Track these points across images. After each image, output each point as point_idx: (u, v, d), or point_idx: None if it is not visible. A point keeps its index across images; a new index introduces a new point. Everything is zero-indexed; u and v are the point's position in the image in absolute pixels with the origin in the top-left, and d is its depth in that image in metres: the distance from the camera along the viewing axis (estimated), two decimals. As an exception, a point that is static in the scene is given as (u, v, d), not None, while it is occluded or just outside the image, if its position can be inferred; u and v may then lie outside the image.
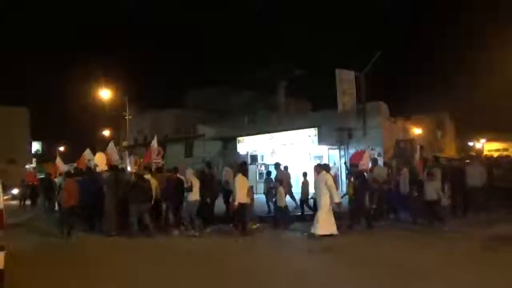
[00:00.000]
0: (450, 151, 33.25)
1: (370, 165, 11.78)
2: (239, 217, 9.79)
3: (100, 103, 29.93)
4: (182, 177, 10.52)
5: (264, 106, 28.21)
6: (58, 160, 17.69)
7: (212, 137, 24.09)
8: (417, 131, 27.34)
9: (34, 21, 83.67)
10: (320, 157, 17.81)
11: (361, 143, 17.37)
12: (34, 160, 46.53)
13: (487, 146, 41.59)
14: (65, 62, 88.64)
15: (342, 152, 17.86)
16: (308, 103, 35.04)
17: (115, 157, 14.26)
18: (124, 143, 36.19)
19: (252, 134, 19.97)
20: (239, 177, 9.78)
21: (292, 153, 18.25)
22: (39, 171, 26.39)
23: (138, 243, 9.12)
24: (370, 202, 10.26)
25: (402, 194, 10.62)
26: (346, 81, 17.14)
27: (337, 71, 17.15)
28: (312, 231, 8.87)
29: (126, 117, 32.22)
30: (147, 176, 10.42)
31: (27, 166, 38.20)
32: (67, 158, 26.51)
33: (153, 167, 12.43)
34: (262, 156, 19.98)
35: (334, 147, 17.88)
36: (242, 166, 10.91)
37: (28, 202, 19.54)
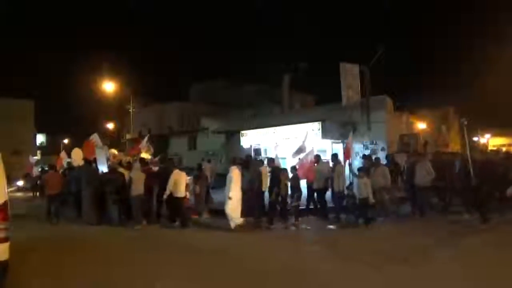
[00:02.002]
0: (454, 146, 33.03)
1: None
2: (177, 211, 10.16)
3: (105, 96, 30.03)
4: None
5: (268, 99, 28.19)
6: (63, 153, 18.00)
7: (215, 130, 24.11)
8: (421, 125, 27.18)
9: (40, 14, 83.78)
10: (323, 151, 17.77)
11: (365, 137, 17.33)
12: (38, 152, 46.84)
13: (492, 141, 41.41)
14: (70, 55, 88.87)
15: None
16: (312, 96, 35.00)
17: (100, 145, 14.32)
18: (128, 136, 36.34)
19: (256, 128, 19.94)
20: (176, 172, 10.10)
21: (296, 147, 18.22)
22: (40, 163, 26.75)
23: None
24: (292, 199, 10.28)
25: (337, 192, 10.30)
26: (350, 74, 17.02)
27: (342, 64, 17.03)
28: (231, 225, 9.25)
29: (130, 110, 32.32)
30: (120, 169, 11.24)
31: (34, 157, 38.50)
32: (71, 150, 26.64)
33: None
34: (266, 150, 19.96)
35: (338, 141, 17.82)
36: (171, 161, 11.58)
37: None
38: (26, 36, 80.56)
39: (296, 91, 29.77)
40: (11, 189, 21.88)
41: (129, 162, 12.87)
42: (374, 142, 17.27)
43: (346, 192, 10.47)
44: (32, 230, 9.82)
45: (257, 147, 20.28)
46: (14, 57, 72.87)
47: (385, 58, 17.13)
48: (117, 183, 10.60)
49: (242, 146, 20.28)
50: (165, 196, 9.96)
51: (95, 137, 14.48)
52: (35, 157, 39.20)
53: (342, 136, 17.73)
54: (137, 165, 11.08)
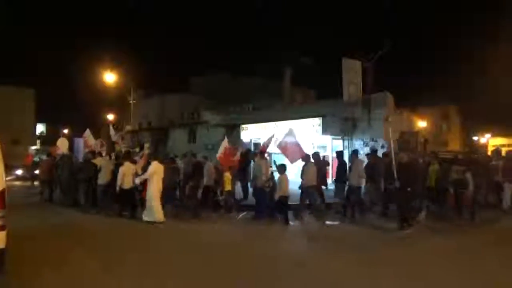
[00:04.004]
0: (454, 144, 33.07)
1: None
2: (124, 201, 10.73)
3: (105, 87, 29.89)
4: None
5: (269, 94, 28.08)
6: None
7: (216, 124, 24.04)
8: (422, 123, 27.14)
9: (42, 3, 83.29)
10: (323, 147, 17.74)
11: (366, 134, 17.27)
12: (38, 141, 46.77)
13: (492, 141, 41.28)
14: (71, 45, 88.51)
15: (346, 143, 17.76)
16: (313, 92, 34.88)
17: (91, 141, 15.88)
18: (128, 128, 36.26)
19: (256, 122, 19.88)
20: (125, 165, 10.64)
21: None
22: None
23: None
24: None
25: (258, 188, 10.42)
26: (352, 70, 16.93)
27: (344, 60, 16.93)
28: (143, 217, 9.73)
29: (131, 102, 32.20)
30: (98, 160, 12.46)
31: (33, 147, 38.48)
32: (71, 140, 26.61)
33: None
34: (265, 144, 19.92)
35: (338, 137, 17.77)
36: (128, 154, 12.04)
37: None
38: (26, 25, 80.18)
39: (298, 86, 29.63)
40: (10, 177, 21.86)
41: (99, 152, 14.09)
42: (374, 139, 17.22)
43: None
44: (28, 218, 9.88)
45: (257, 141, 20.22)
46: (15, 46, 72.64)
47: (388, 55, 16.97)
48: (88, 172, 11.72)
49: (242, 140, 20.24)
50: (117, 188, 10.47)
51: (87, 133, 15.96)
52: (34, 147, 39.23)
53: (342, 132, 17.67)
54: (101, 157, 12.47)
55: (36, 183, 19.91)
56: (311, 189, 10.30)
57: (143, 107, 37.56)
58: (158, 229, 9.22)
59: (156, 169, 9.88)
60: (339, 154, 11.83)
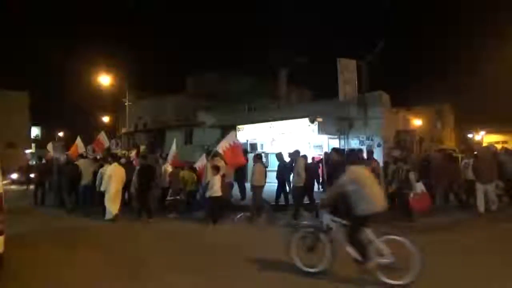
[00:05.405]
0: (449, 142, 33.26)
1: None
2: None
3: (101, 89, 29.82)
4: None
5: (265, 94, 28.12)
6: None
7: (212, 125, 24.03)
8: (417, 122, 27.24)
9: (35, 5, 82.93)
10: (319, 147, 17.78)
11: (362, 133, 17.34)
12: (33, 145, 46.55)
13: (487, 138, 41.64)
14: (66, 47, 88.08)
15: (342, 142, 17.83)
16: (309, 91, 34.96)
17: (81, 146, 16.70)
18: (123, 130, 36.15)
19: (252, 123, 19.89)
20: (109, 168, 10.81)
21: (292, 142, 18.21)
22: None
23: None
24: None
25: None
26: (347, 70, 16.97)
27: (339, 60, 16.98)
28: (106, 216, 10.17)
29: (126, 104, 32.13)
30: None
31: (27, 150, 38.29)
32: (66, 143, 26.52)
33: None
34: (262, 144, 19.92)
35: (334, 136, 17.83)
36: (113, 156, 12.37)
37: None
38: (24, 25, 79.71)
39: (293, 85, 29.69)
40: (5, 182, 21.75)
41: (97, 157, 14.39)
42: (371, 138, 17.29)
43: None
44: (26, 224, 9.85)
45: (253, 141, 20.24)
46: (11, 50, 72.18)
47: (383, 54, 17.04)
48: (71, 174, 12.15)
49: (238, 140, 20.22)
50: (97, 189, 10.94)
51: (77, 141, 16.77)
52: (29, 150, 39.06)
53: (338, 131, 17.74)
54: (83, 159, 12.97)
55: (31, 186, 19.87)
56: (258, 190, 10.31)
57: (139, 108, 37.43)
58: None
59: (113, 171, 10.25)
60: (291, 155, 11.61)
